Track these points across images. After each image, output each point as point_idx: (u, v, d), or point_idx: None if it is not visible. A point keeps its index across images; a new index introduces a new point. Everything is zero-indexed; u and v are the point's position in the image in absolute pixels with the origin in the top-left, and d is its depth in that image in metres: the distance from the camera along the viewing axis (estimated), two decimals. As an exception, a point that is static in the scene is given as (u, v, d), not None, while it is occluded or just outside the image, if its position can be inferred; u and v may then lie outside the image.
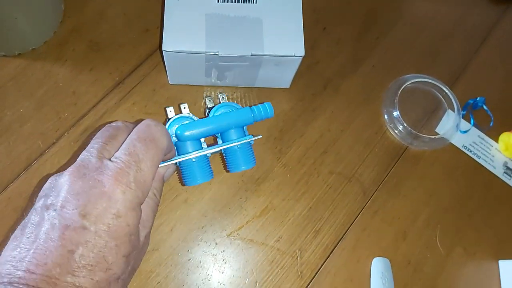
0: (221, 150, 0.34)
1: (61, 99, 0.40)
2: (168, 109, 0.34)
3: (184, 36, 0.36)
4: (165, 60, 0.37)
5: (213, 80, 0.41)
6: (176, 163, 0.31)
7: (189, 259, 0.37)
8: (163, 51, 0.36)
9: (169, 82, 0.42)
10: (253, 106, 0.34)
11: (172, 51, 0.36)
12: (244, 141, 0.33)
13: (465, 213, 0.42)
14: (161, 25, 0.41)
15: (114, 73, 0.42)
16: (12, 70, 0.40)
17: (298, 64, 0.38)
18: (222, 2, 0.38)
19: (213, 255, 0.37)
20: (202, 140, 0.34)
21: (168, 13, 0.37)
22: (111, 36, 0.43)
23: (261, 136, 0.35)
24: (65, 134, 0.39)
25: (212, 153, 0.33)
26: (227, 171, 0.36)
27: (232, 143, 0.33)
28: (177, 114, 0.34)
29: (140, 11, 0.44)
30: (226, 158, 0.34)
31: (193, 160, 0.32)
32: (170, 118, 0.33)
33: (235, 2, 0.38)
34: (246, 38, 0.37)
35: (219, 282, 0.36)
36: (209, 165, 0.33)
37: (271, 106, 0.35)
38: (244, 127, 0.35)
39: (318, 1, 0.48)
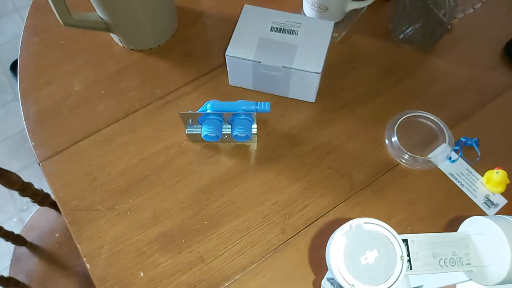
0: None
1: (157, 81, 0.60)
2: None
3: (241, 48, 0.53)
4: (227, 63, 0.55)
5: (259, 87, 0.57)
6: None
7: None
8: (226, 55, 0.54)
9: (229, 83, 0.59)
10: (258, 102, 0.51)
11: (231, 56, 0.53)
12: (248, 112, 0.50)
13: (438, 225, 0.49)
14: (234, 46, 0.59)
15: (194, 73, 0.61)
16: (134, 57, 0.62)
17: (318, 79, 0.52)
18: (274, 31, 0.55)
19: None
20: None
21: (236, 33, 0.55)
22: (201, 49, 0.63)
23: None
24: (153, 102, 0.58)
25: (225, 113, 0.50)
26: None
27: (237, 111, 0.50)
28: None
29: (222, 36, 0.63)
30: (231, 128, 0.51)
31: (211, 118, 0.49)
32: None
33: (282, 32, 0.54)
34: (282, 56, 0.53)
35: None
36: (219, 131, 0.51)
37: (269, 104, 0.50)
38: (252, 118, 0.51)
39: (355, 47, 0.62)
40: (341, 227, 0.29)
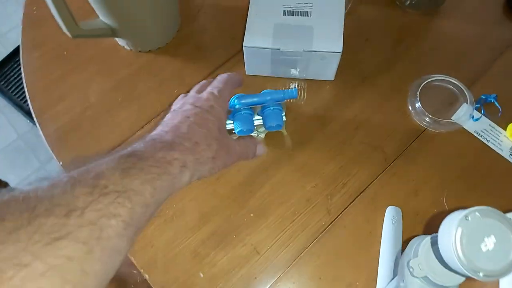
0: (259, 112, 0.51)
1: (173, 80, 0.59)
2: None
3: (258, 37, 0.53)
4: (244, 54, 0.55)
5: (277, 72, 0.57)
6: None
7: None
8: (243, 47, 0.53)
9: (246, 73, 0.59)
10: (284, 89, 0.48)
11: (249, 47, 0.53)
12: (277, 103, 0.50)
13: (471, 183, 0.51)
14: (243, 34, 0.58)
15: (209, 66, 0.60)
16: (144, 60, 0.61)
17: (338, 58, 0.53)
18: (286, 15, 0.54)
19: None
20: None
21: (250, 21, 0.54)
22: (210, 42, 0.62)
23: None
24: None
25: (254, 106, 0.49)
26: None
27: (266, 103, 0.49)
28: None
29: (230, 26, 0.63)
30: (263, 119, 0.51)
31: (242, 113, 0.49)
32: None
33: (295, 15, 0.54)
34: (300, 39, 0.53)
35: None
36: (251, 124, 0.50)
37: (296, 90, 0.48)
38: (282, 107, 0.51)
39: (363, 19, 0.62)
40: (453, 218, 0.30)
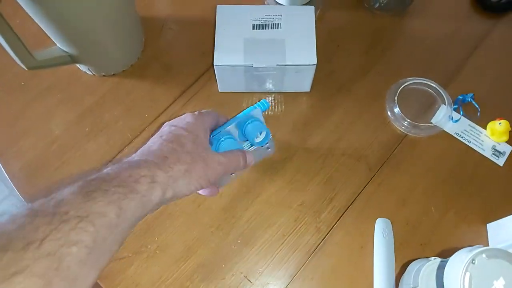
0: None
1: (143, 104, 0.56)
2: None
3: (229, 54, 0.51)
4: (215, 72, 0.52)
5: (251, 88, 0.55)
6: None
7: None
8: (214, 66, 0.51)
9: (219, 90, 0.56)
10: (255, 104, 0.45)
11: (220, 65, 0.50)
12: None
13: (458, 186, 0.51)
14: (212, 49, 0.56)
15: (180, 85, 0.57)
16: (109, 84, 0.57)
17: (313, 71, 0.51)
18: (256, 29, 0.52)
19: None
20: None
21: (218, 38, 0.52)
22: (177, 59, 0.59)
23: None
24: (146, 128, 0.54)
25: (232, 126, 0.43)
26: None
27: (239, 118, 0.44)
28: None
29: (198, 41, 0.60)
30: (247, 137, 0.45)
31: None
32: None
33: (265, 28, 0.52)
34: (273, 54, 0.50)
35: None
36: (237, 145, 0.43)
37: (265, 100, 0.46)
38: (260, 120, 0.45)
39: (332, 25, 0.61)
40: (460, 260, 0.28)
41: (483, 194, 0.50)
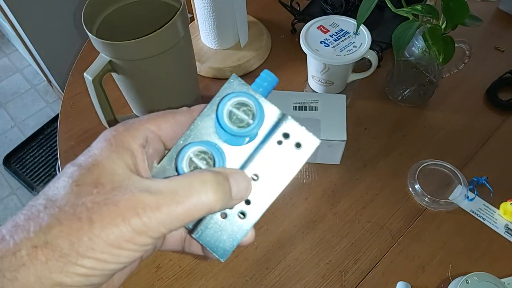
0: None
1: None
2: None
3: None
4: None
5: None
6: None
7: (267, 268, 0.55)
8: (260, 136, 0.60)
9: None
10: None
11: (265, 136, 0.60)
12: None
13: (473, 258, 0.55)
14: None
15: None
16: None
17: (343, 146, 0.60)
18: (296, 110, 0.63)
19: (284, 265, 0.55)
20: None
21: (264, 115, 0.62)
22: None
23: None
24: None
25: None
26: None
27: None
28: None
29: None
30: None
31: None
32: None
33: (304, 110, 0.63)
34: (310, 130, 0.60)
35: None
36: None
37: (267, 71, 0.29)
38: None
39: (361, 111, 0.71)
40: (456, 282, 0.34)
41: (497, 267, 0.54)
